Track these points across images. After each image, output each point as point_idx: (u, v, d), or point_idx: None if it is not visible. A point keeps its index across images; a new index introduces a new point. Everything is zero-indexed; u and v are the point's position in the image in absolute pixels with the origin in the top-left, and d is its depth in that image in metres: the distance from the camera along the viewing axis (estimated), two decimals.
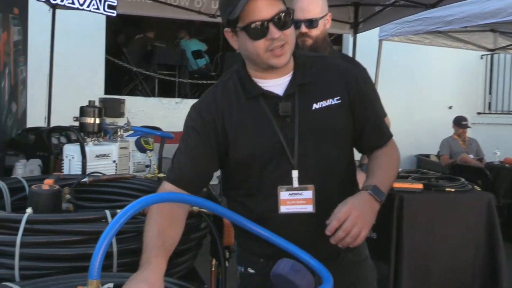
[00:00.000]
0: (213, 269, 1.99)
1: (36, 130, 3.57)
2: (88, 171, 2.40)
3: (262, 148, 1.54)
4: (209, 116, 1.55)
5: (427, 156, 8.81)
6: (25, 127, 4.13)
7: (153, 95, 8.66)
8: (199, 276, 1.90)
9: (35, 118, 4.98)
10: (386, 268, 3.65)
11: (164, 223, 1.43)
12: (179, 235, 1.47)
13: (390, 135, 1.72)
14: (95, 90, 7.33)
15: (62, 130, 3.08)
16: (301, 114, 1.55)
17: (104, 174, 2.28)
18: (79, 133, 2.54)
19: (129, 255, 1.54)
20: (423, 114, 9.26)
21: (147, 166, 2.81)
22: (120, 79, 8.89)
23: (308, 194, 1.53)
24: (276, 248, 1.49)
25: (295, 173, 1.53)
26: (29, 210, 1.56)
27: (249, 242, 1.65)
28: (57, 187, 1.81)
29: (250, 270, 1.68)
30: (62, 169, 2.57)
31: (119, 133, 2.74)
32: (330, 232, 1.44)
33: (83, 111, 2.60)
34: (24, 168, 2.79)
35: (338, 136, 1.59)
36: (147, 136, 2.70)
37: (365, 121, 1.63)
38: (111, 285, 1.22)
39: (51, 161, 2.76)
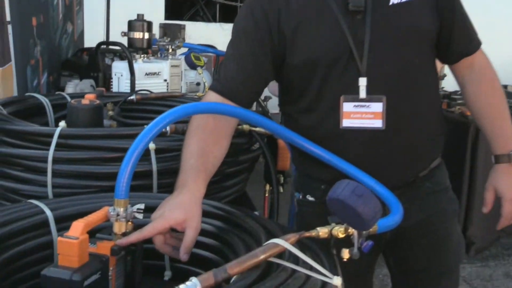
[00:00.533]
0: (266, 195, 1.84)
1: (89, 50, 3.47)
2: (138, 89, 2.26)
3: (326, 51, 1.28)
4: (262, 15, 1.30)
5: (505, 86, 8.20)
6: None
7: (214, 21, 8.41)
8: (250, 202, 1.74)
9: (93, 41, 4.88)
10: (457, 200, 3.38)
11: (207, 139, 1.24)
12: (222, 154, 1.28)
13: (480, 42, 1.43)
14: (155, 15, 7.12)
15: (107, 45, 2.94)
16: (376, 9, 1.27)
17: (152, 92, 2.13)
18: (127, 49, 2.38)
19: (171, 175, 1.39)
20: (506, 40, 8.52)
21: (198, 83, 2.64)
22: (181, 4, 8.68)
23: (378, 106, 1.28)
24: (340, 173, 1.28)
25: (362, 81, 1.27)
26: (62, 124, 1.42)
27: (308, 165, 1.43)
28: (98, 102, 1.66)
29: (310, 198, 1.46)
30: (111, 88, 2.44)
31: (170, 51, 2.56)
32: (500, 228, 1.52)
33: (131, 25, 2.44)
34: (75, 88, 2.69)
35: (420, 39, 1.31)
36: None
37: (453, 23, 1.34)
38: (142, 206, 1.06)
39: (100, 80, 2.64)
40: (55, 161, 1.37)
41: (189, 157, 1.19)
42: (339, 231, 0.96)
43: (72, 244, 0.94)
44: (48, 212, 1.14)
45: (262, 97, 1.66)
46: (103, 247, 1.00)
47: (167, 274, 1.19)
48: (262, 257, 0.88)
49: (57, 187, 1.38)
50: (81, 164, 1.38)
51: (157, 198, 1.23)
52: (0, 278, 1.01)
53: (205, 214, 1.14)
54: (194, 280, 0.82)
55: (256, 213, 1.51)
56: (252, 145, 1.68)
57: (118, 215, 1.02)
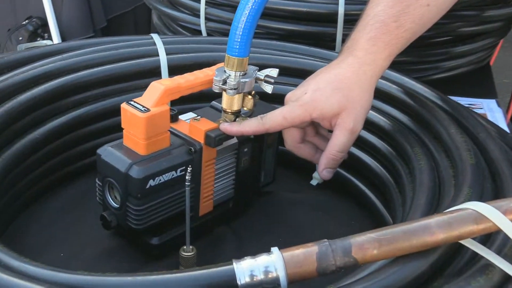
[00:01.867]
0: None
1: None
2: None
3: None
4: None
5: None
6: None
7: None
8: (490, 81, 1.16)
9: None
10: None
11: None
12: (441, 3, 0.71)
13: None
14: None
15: None
16: None
17: None
18: None
19: None
20: None
21: None
22: None
23: None
24: None
25: None
26: None
27: None
28: None
29: None
30: None
31: None
32: None
33: None
34: None
35: None
36: None
37: None
38: (274, 72, 0.63)
39: None
40: None
41: (375, 2, 0.67)
42: None
43: (138, 120, 0.57)
44: (162, 56, 0.79)
45: None
46: (197, 130, 0.62)
47: (316, 178, 0.78)
48: (440, 237, 0.40)
49: (211, 20, 1.02)
50: None
51: (315, 54, 0.79)
52: (75, 138, 0.73)
53: (380, 94, 0.67)
54: (275, 256, 0.40)
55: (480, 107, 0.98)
56: None
57: (224, 82, 0.61)
